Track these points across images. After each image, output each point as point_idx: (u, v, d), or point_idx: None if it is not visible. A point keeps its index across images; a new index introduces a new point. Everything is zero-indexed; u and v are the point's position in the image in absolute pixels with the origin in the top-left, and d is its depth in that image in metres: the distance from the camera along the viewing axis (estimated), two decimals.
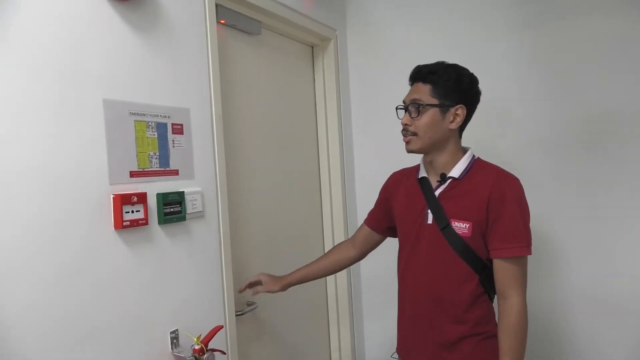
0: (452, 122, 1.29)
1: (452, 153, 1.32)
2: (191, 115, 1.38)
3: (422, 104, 1.28)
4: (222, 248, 1.48)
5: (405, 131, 1.32)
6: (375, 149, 2.24)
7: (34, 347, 0.99)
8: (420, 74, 1.32)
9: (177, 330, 1.30)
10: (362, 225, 1.63)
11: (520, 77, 1.88)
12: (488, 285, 1.28)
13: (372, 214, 1.59)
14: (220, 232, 1.48)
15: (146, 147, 1.24)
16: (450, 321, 1.28)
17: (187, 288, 1.35)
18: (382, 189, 1.56)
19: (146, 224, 1.21)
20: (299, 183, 2.05)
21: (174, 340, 1.29)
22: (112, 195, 1.14)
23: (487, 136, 1.88)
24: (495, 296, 1.30)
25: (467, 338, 1.27)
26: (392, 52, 2.16)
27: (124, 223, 1.14)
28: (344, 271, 2.13)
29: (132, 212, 1.17)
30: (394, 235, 1.52)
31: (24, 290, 0.97)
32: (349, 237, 1.76)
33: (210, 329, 1.32)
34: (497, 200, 1.22)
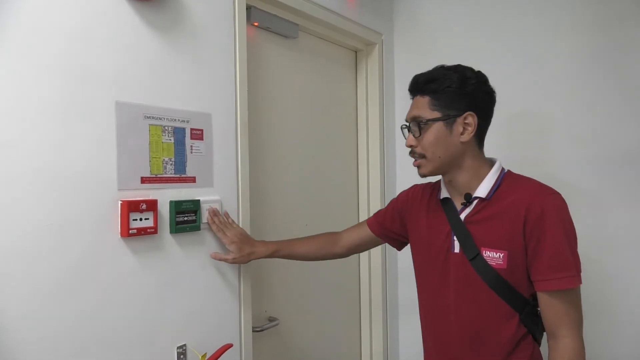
0: (462, 133, 1.10)
1: (473, 169, 1.13)
2: (213, 121, 1.32)
3: (422, 121, 1.11)
4: None
5: (412, 153, 1.16)
6: None
7: (31, 356, 0.95)
8: (417, 85, 1.14)
9: (185, 345, 1.24)
10: (361, 224, 1.46)
11: (584, 83, 1.66)
12: (532, 324, 1.09)
13: (378, 216, 1.41)
14: None
15: (161, 152, 1.19)
16: None
17: (199, 301, 1.29)
18: (399, 197, 1.38)
19: (155, 232, 1.15)
20: (333, 197, 1.94)
21: (181, 356, 1.23)
22: (120, 202, 1.09)
23: (535, 152, 1.68)
24: (544, 335, 1.10)
25: None
26: (444, 58, 1.98)
27: (131, 231, 1.10)
28: (379, 266, 2.03)
29: (141, 219, 1.12)
30: (393, 245, 1.40)
31: (23, 296, 0.94)
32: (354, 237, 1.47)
33: (222, 346, 1.25)
34: (535, 222, 1.03)
